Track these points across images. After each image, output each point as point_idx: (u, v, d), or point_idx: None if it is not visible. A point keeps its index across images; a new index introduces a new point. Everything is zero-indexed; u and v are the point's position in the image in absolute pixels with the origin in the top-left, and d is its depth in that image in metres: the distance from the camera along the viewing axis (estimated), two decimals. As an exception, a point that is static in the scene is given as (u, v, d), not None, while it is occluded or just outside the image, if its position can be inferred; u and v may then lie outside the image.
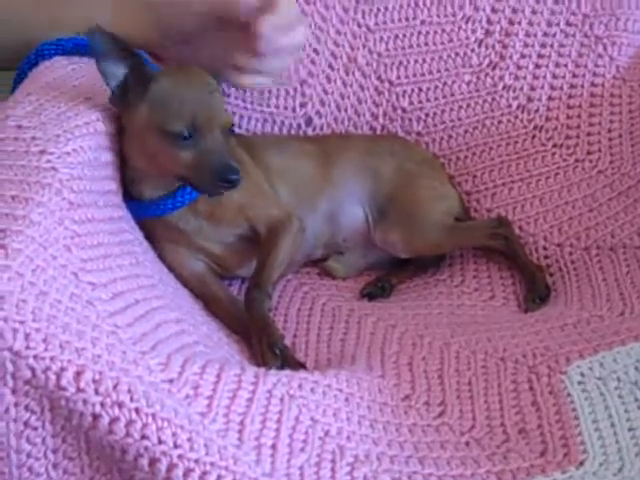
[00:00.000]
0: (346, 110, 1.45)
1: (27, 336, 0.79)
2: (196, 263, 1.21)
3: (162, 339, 0.95)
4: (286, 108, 1.44)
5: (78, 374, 0.80)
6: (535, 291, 1.25)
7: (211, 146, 1.06)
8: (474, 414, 0.97)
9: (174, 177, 1.11)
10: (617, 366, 0.99)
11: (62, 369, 0.79)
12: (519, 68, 1.43)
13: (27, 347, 0.78)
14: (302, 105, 1.44)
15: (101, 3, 1.24)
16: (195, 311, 1.13)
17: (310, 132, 1.44)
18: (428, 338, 1.12)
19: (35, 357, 0.78)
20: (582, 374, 1.00)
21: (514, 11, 1.44)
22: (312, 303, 1.25)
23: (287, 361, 1.07)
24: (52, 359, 0.79)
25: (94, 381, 0.80)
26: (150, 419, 0.80)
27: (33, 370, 0.78)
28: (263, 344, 1.09)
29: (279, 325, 1.19)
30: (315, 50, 1.43)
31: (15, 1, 1.27)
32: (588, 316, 1.13)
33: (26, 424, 0.80)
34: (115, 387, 0.81)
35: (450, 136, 1.44)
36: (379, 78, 1.45)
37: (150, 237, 1.18)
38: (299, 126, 1.44)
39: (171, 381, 0.88)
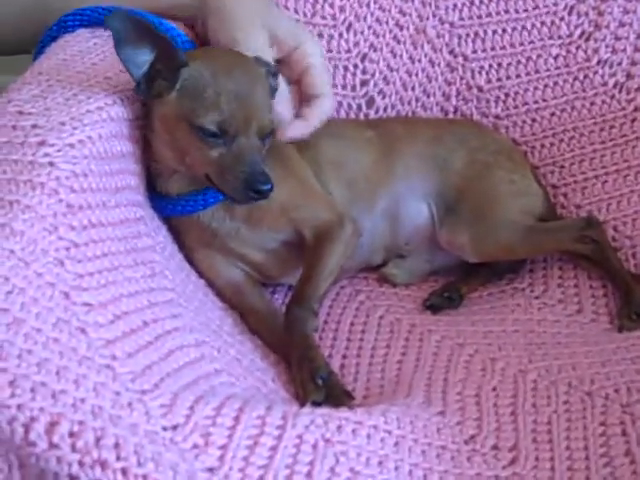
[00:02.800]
0: (413, 89, 1.30)
1: (-11, 378, 0.67)
2: (232, 270, 1.08)
3: (171, 372, 0.82)
4: (345, 87, 1.29)
5: (52, 425, 0.67)
6: (631, 305, 1.08)
7: (244, 149, 0.94)
8: (553, 463, 0.85)
9: (202, 176, 0.97)
10: None
11: (32, 419, 0.67)
12: (617, 39, 1.27)
13: (-11, 392, 0.67)
14: (363, 83, 1.30)
15: None
16: (225, 329, 1.00)
17: (372, 114, 1.30)
18: (501, 363, 0.99)
19: (-1, 405, 0.67)
20: (689, 418, 0.84)
21: (613, -28, 1.28)
22: (367, 316, 1.11)
23: (331, 392, 0.94)
24: (20, 407, 0.67)
25: (71, 434, 0.68)
26: (140, 483, 0.68)
27: (-4, 420, 0.67)
28: (304, 372, 0.95)
29: (327, 342, 1.07)
30: (378, 20, 1.29)
31: None
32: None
33: (-10, 485, 0.69)
34: (98, 441, 0.68)
35: (534, 120, 1.28)
36: (452, 52, 1.30)
37: (179, 239, 1.05)
38: (359, 107, 1.30)
39: (175, 428, 0.75)
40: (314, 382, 0.93)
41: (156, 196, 1.02)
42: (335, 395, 0.93)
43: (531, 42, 1.28)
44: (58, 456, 0.66)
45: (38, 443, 0.66)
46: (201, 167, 0.96)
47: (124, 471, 0.67)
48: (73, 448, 0.66)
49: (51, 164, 0.83)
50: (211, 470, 0.73)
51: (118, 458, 0.67)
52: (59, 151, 0.84)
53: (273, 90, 1.02)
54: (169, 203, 1.02)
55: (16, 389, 0.66)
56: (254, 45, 1.07)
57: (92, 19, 1.09)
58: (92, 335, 0.75)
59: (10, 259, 0.73)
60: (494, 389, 0.93)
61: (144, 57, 0.94)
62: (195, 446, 0.73)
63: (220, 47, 1.06)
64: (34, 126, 0.87)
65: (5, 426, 0.66)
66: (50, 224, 0.79)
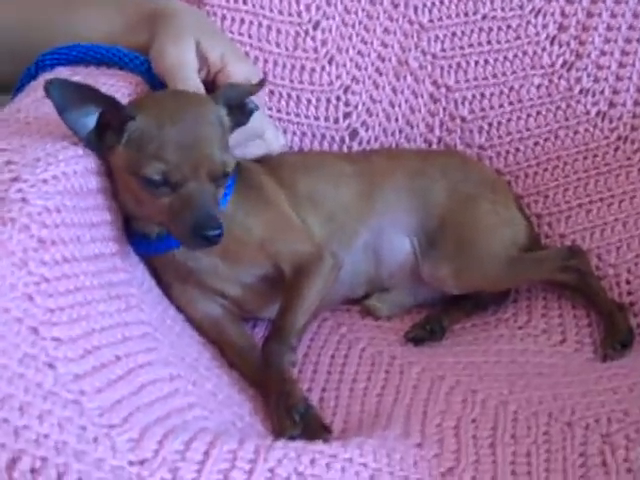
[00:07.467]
0: (397, 120, 1.30)
1: (-49, 415, 0.66)
2: (210, 305, 1.07)
3: (142, 406, 0.81)
4: (327, 119, 1.29)
5: (12, 462, 0.67)
6: (615, 335, 1.07)
7: (192, 194, 0.93)
8: (531, 496, 0.84)
9: (158, 223, 0.98)
10: None
11: (-8, 456, 0.67)
12: (599, 68, 1.26)
13: (-51, 429, 0.66)
14: (346, 115, 1.29)
15: (107, 7, 1.14)
16: (202, 362, 0.99)
17: (355, 146, 1.30)
18: (481, 394, 0.98)
19: (-41, 442, 0.66)
20: (668, 449, 0.83)
21: (593, 1, 1.27)
22: (349, 348, 1.10)
23: (309, 426, 0.93)
24: (-20, 444, 0.66)
25: (32, 470, 0.67)
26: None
27: (-45, 458, 0.66)
28: (281, 407, 0.94)
29: (307, 375, 1.05)
30: (360, 52, 1.29)
31: (17, 6, 1.17)
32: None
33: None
34: (60, 477, 0.68)
35: (517, 149, 1.28)
36: (434, 83, 1.30)
37: (157, 275, 1.05)
38: (342, 140, 1.30)
39: (142, 462, 0.74)
40: (291, 417, 0.92)
41: (132, 233, 1.01)
42: (312, 429, 0.92)
43: (513, 72, 1.28)
44: (18, 493, 0.66)
45: (-3, 481, 0.66)
46: (154, 216, 0.95)
47: (86, 508, 0.67)
48: (34, 485, 0.66)
49: (23, 200, 0.82)
50: (179, 505, 0.72)
51: (80, 495, 0.67)
52: (32, 187, 0.84)
53: (235, 126, 0.99)
54: (142, 242, 1.01)
55: (-23, 426, 0.66)
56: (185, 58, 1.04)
57: (70, 57, 1.09)
58: (61, 370, 0.74)
59: (-24, 295, 0.72)
60: (474, 421, 0.92)
61: (90, 116, 0.93)
62: (162, 482, 0.73)
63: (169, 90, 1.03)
64: (8, 162, 0.86)
65: (-36, 464, 0.66)
66: (19, 259, 0.78)
